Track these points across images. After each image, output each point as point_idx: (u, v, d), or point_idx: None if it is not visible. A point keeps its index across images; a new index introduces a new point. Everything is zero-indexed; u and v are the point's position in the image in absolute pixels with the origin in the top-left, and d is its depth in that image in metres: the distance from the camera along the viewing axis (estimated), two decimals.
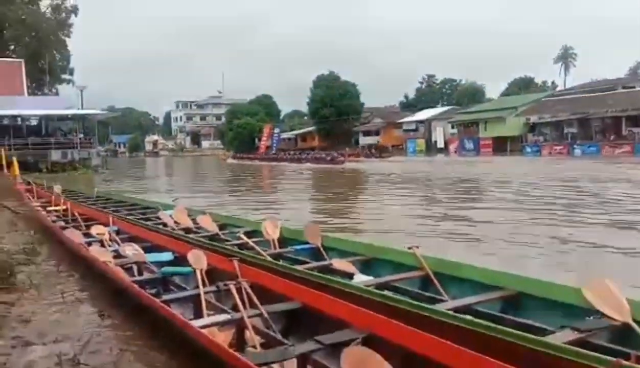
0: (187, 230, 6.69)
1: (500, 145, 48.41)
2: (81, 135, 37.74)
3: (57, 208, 9.09)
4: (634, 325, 2.83)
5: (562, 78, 78.40)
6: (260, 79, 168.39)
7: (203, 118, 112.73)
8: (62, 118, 38.92)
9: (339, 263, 4.52)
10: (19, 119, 37.28)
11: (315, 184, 24.25)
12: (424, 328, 2.87)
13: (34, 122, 39.72)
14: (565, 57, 79.38)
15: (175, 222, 6.99)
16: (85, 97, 47.19)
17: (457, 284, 3.98)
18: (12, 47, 51.66)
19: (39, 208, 9.33)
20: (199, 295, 3.85)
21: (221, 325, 3.37)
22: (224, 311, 3.59)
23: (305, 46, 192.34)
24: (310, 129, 71.70)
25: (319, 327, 3.16)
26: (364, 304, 3.36)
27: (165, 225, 7.01)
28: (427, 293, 3.86)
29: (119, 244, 5.91)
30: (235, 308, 3.46)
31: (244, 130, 73.96)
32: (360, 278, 4.20)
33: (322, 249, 5.15)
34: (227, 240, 5.94)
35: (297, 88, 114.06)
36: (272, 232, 5.66)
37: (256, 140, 71.10)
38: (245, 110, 78.57)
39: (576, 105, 44.55)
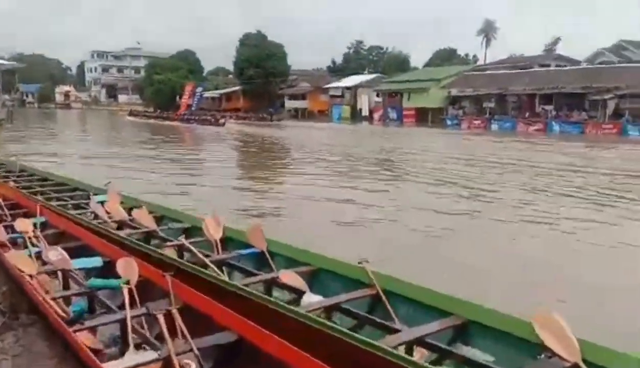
0: (121, 225, 6.34)
1: (423, 116, 49.74)
2: None
3: None
4: (583, 366, 2.97)
5: (483, 51, 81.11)
6: (183, 33, 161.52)
7: (120, 70, 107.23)
8: None
9: (287, 277, 4.42)
10: None
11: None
12: (370, 365, 2.91)
13: None
14: (487, 31, 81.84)
15: (108, 214, 6.59)
16: None
17: (406, 305, 4.01)
18: None
19: None
20: (125, 320, 3.55)
21: (146, 364, 3.06)
22: (150, 344, 3.35)
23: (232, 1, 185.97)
24: (235, 88, 70.11)
25: (255, 366, 3.01)
26: (312, 335, 3.33)
27: (96, 216, 6.59)
28: (378, 319, 3.84)
29: (45, 244, 5.43)
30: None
31: (165, 86, 71.22)
32: (310, 299, 4.13)
33: (267, 255, 5.04)
34: (165, 240, 5.68)
35: (223, 45, 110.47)
36: (214, 232, 5.47)
37: (177, 97, 68.82)
38: (167, 65, 75.47)
39: (495, 81, 46.33)
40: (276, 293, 4.44)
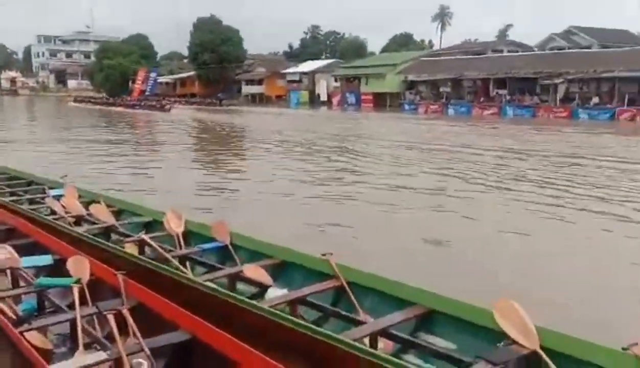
0: (78, 220, 6.17)
1: (381, 101, 50.15)
2: None
3: None
4: (542, 353, 3.09)
5: (439, 36, 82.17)
6: (134, 17, 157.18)
7: (69, 55, 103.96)
8: None
9: (251, 271, 4.41)
10: None
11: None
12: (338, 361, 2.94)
13: None
14: (442, 16, 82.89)
15: (65, 209, 6.39)
16: None
17: (370, 296, 4.07)
18: None
19: None
20: (75, 319, 3.48)
21: (95, 365, 3.00)
22: (100, 343, 3.31)
23: None
24: (190, 74, 68.85)
25: (207, 364, 2.99)
26: (275, 330, 3.36)
27: (53, 212, 6.40)
28: (343, 311, 3.89)
29: None
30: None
31: (115, 71, 69.37)
32: (275, 293, 4.14)
33: (231, 248, 5.01)
34: (124, 236, 5.55)
35: (176, 28, 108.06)
36: (175, 226, 5.39)
37: (130, 82, 67.14)
38: (118, 50, 73.39)
39: (451, 66, 47.01)
40: (241, 287, 4.43)
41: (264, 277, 4.40)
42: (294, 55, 77.22)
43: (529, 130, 25.77)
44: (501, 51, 51.50)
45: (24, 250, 4.85)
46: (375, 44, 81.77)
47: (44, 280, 4.23)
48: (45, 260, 4.73)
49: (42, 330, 3.60)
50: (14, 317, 3.63)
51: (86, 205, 6.48)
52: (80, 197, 6.90)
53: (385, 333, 3.49)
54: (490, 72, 43.05)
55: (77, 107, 49.76)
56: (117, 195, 7.62)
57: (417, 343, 3.48)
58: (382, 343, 3.50)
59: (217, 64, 61.74)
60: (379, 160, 15.29)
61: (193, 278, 4.21)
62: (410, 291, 3.85)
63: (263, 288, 4.32)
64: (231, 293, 3.88)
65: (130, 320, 3.30)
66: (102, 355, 3.05)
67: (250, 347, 2.87)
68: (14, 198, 7.42)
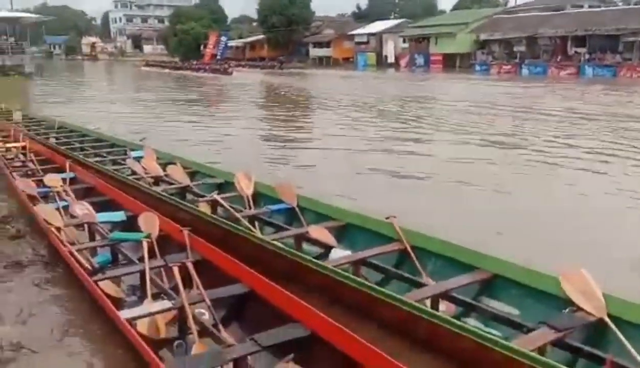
0: (156, 181, 6.52)
1: (451, 62, 48.57)
2: (12, 40, 35.16)
3: (15, 145, 8.66)
4: (608, 321, 3.03)
5: None
6: None
7: (144, 20, 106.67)
8: None
9: (316, 232, 4.53)
10: None
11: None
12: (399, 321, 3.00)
13: None
14: None
15: (145, 170, 6.77)
16: None
17: (433, 260, 4.09)
18: None
19: None
20: (144, 271, 3.74)
21: (160, 313, 3.26)
22: (167, 294, 3.53)
23: None
24: (259, 37, 69.14)
25: (265, 318, 3.11)
26: (338, 289, 3.46)
27: (133, 172, 6.78)
28: (405, 274, 3.94)
29: (72, 198, 5.66)
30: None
31: (189, 36, 70.68)
32: (338, 254, 4.24)
33: (297, 211, 5.14)
34: (199, 196, 5.84)
35: None
36: (245, 187, 5.59)
37: (202, 47, 68.25)
38: (190, 15, 74.69)
39: (526, 24, 44.73)
40: (306, 247, 4.57)
41: (328, 238, 4.51)
42: (362, 16, 75.67)
43: (609, 91, 24.34)
44: (581, 6, 48.33)
45: (100, 208, 5.23)
46: (446, 2, 78.57)
47: (117, 234, 4.59)
48: (119, 216, 5.09)
49: (115, 280, 3.90)
50: (90, 267, 3.95)
51: (164, 166, 6.82)
52: (158, 158, 7.26)
53: (446, 296, 3.53)
54: (569, 30, 40.64)
55: (149, 71, 52.42)
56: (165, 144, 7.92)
57: (478, 307, 3.49)
58: (444, 305, 3.54)
59: (285, 27, 61.68)
60: (440, 125, 14.77)
61: (262, 237, 4.39)
62: (474, 255, 3.84)
63: (327, 249, 4.43)
64: (297, 252, 4.02)
65: (193, 273, 3.53)
66: (167, 304, 3.29)
67: (313, 304, 2.98)
68: (99, 159, 7.93)
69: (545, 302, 3.38)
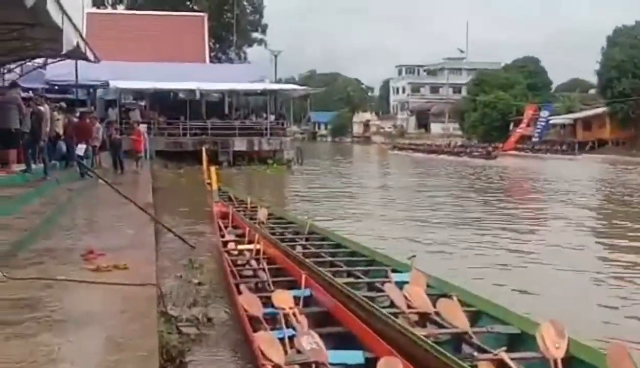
0: (421, 319, 6.55)
1: None
2: (272, 117, 40.26)
3: (249, 247, 9.83)
4: None
5: None
6: (520, 34, 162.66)
7: (435, 90, 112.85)
8: (250, 93, 42.08)
9: None
10: (197, 92, 40.56)
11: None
12: None
13: (214, 97, 43.33)
14: None
15: (407, 300, 6.85)
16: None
17: None
18: None
19: (227, 245, 10.36)
20: None
21: None
22: None
23: None
24: (598, 111, 67.12)
25: None
26: None
27: (392, 304, 6.94)
28: None
29: (303, 326, 6.01)
30: None
31: (493, 110, 72.44)
32: None
33: None
34: (480, 350, 5.60)
35: (581, 46, 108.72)
36: (552, 345, 5.17)
37: (512, 125, 69.02)
38: (497, 80, 77.09)
39: None
40: None
41: None
42: None
43: None
44: None
45: (335, 340, 5.55)
46: None
47: None
48: (356, 357, 5.25)
49: None
50: None
51: (434, 299, 6.77)
52: (428, 287, 7.29)
53: None
54: None
55: (397, 154, 59.74)
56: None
57: None
58: None
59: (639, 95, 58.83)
60: None
61: None
62: None
63: None
64: None
65: None
66: None
67: None
68: (351, 280, 8.37)
69: None
